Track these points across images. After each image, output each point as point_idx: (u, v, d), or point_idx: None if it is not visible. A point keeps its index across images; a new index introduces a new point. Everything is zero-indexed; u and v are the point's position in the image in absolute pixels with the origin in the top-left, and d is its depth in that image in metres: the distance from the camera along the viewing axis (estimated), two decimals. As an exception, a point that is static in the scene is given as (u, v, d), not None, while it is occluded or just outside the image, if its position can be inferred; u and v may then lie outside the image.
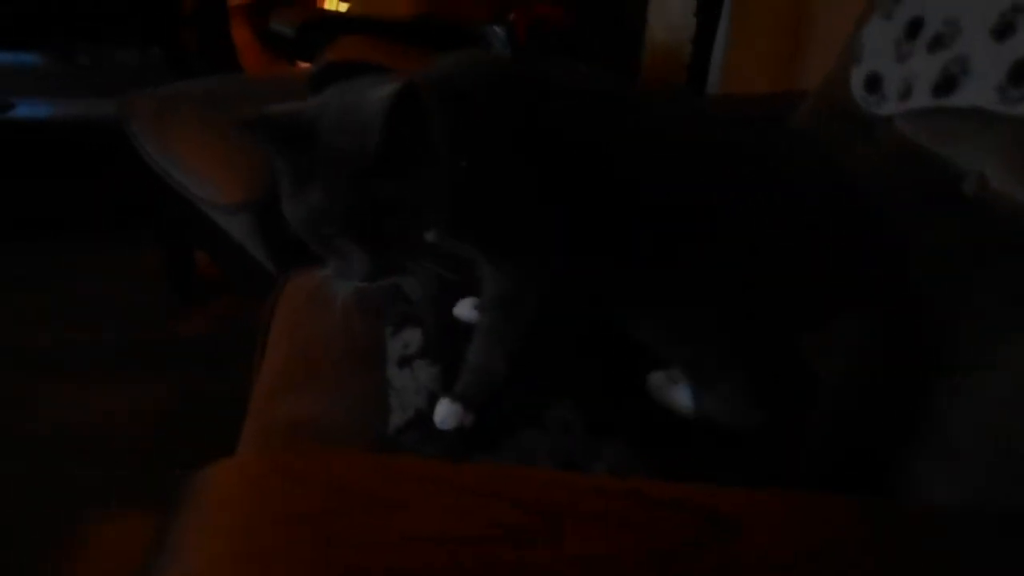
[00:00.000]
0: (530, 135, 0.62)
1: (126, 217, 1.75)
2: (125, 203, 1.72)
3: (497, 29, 1.19)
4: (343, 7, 1.48)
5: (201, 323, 1.73)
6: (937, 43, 0.74)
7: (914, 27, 0.79)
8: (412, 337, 0.81)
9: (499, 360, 0.68)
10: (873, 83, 0.84)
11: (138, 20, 1.89)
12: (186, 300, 1.78)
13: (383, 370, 0.77)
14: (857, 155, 0.83)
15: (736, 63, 1.51)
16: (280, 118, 0.58)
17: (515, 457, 0.61)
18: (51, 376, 1.55)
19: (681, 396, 0.70)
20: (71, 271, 1.87)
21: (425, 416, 0.67)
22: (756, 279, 0.61)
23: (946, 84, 0.71)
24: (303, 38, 1.10)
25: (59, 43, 1.90)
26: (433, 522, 0.37)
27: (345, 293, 0.66)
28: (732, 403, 0.66)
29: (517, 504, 0.38)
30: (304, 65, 1.60)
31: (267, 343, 0.96)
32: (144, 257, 1.86)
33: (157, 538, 0.36)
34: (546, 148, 0.62)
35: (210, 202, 1.35)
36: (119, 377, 1.55)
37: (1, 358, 1.59)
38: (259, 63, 1.98)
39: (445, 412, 0.66)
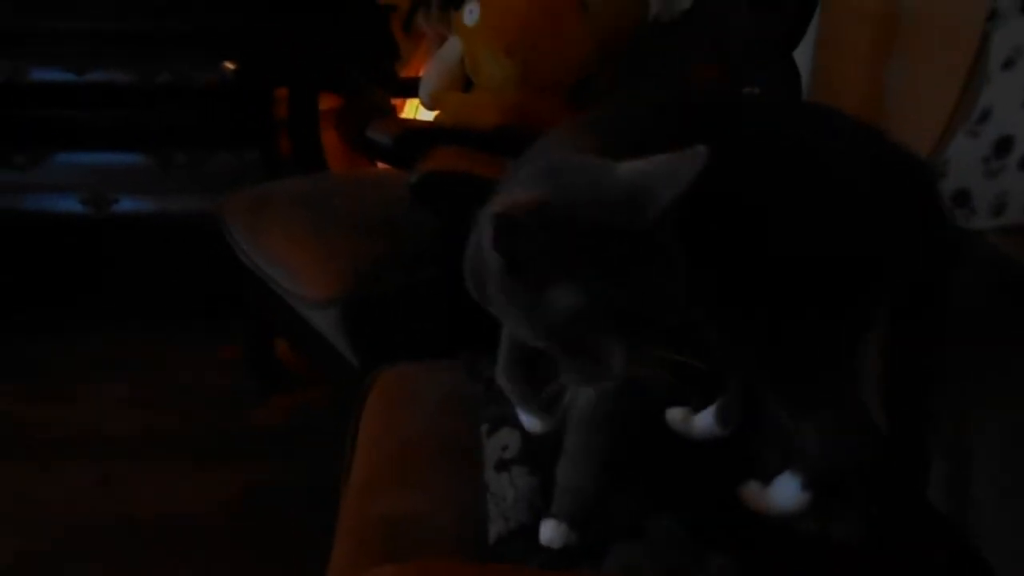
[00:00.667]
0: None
1: (214, 308, 1.84)
2: (213, 294, 1.81)
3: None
4: (428, 116, 1.57)
5: (279, 413, 1.78)
6: (1030, 161, 0.76)
7: (1004, 145, 0.81)
8: (510, 439, 0.82)
9: (591, 479, 0.69)
10: (962, 198, 0.86)
11: (234, 124, 2.03)
12: (266, 389, 1.84)
13: (480, 472, 0.79)
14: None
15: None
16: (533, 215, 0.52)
17: (619, 569, 0.61)
18: (134, 462, 1.60)
19: (776, 496, 0.70)
20: (158, 359, 1.95)
21: (528, 530, 0.68)
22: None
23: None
24: (400, 147, 1.17)
25: (160, 145, 2.04)
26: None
27: (588, 394, 0.67)
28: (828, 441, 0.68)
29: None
30: (388, 168, 1.69)
31: (357, 439, 0.98)
32: (227, 347, 1.94)
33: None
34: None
35: (299, 296, 1.42)
36: (198, 465, 1.60)
37: (86, 445, 1.65)
38: (344, 164, 2.10)
39: (552, 533, 0.67)
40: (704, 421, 0.82)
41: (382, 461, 0.88)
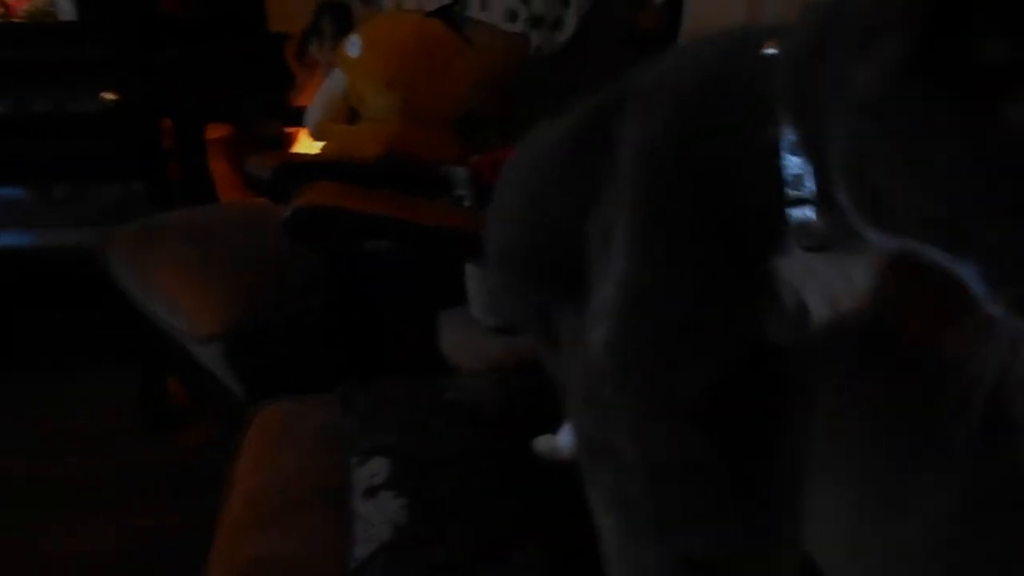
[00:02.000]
0: None
1: (103, 345, 1.78)
2: (102, 331, 1.75)
3: (460, 170, 1.28)
4: (316, 148, 1.58)
5: (173, 452, 1.73)
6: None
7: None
8: (379, 467, 0.84)
9: None
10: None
11: (119, 155, 1.98)
12: (159, 428, 1.79)
13: (350, 503, 0.80)
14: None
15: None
16: None
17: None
18: (21, 510, 1.53)
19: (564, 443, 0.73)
20: (48, 399, 1.87)
21: (389, 548, 0.70)
22: None
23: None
24: (277, 181, 1.17)
25: (39, 178, 1.98)
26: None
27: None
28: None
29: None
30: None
31: (234, 478, 0.98)
32: (117, 385, 1.88)
33: None
34: None
35: (183, 332, 1.40)
36: (91, 509, 1.54)
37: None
38: (235, 193, 2.07)
39: None
40: (565, 437, 0.84)
41: (255, 500, 0.88)
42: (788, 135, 0.43)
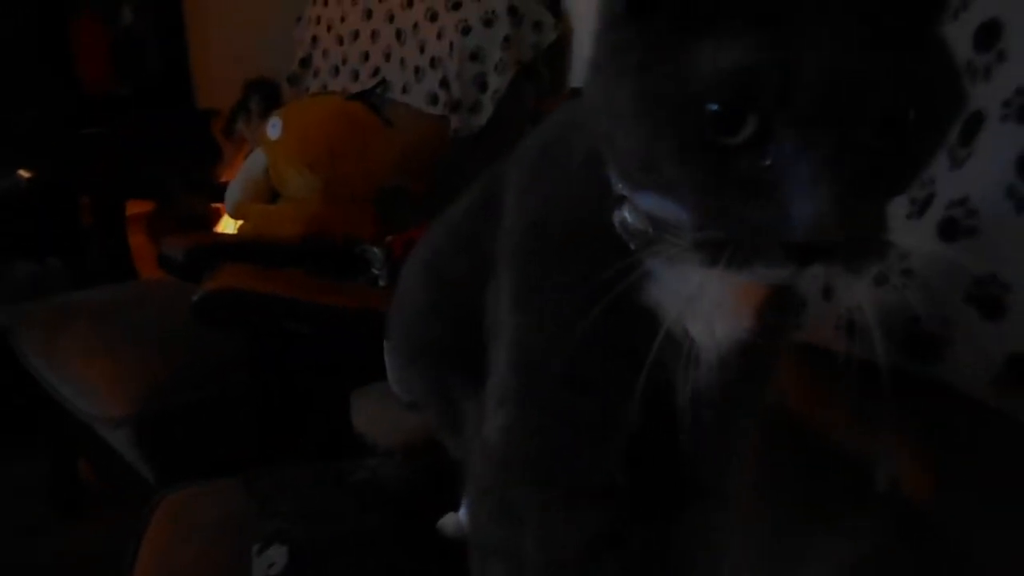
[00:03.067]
0: None
1: (12, 426, 1.72)
2: (11, 412, 1.69)
3: (376, 250, 1.30)
4: (234, 227, 1.58)
5: (83, 540, 1.66)
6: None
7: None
8: (277, 555, 0.82)
9: None
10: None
11: (35, 232, 1.94)
12: (67, 513, 1.71)
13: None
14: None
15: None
16: None
17: None
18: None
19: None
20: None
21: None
22: None
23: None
24: (191, 263, 1.17)
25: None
26: None
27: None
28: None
29: None
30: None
31: (135, 571, 0.95)
32: (25, 471, 1.80)
33: None
34: None
35: (91, 415, 1.36)
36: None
37: None
38: (156, 270, 2.04)
39: None
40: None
41: (151, 594, 0.86)
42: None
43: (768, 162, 0.33)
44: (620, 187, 0.44)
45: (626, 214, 0.44)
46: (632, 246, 0.44)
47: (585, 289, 0.46)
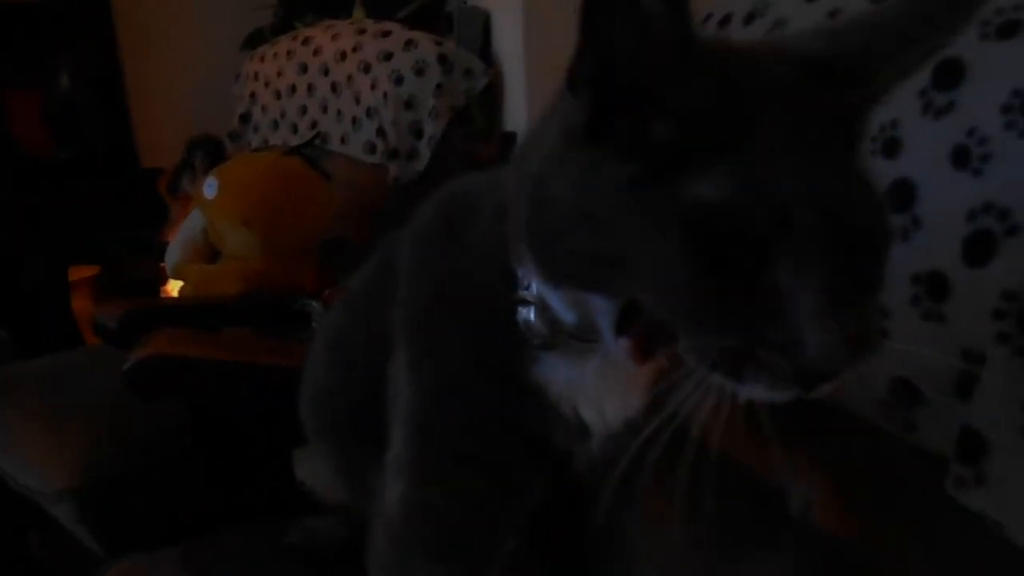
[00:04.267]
0: None
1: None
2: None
3: (315, 304, 1.31)
4: (175, 289, 1.58)
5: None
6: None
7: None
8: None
9: None
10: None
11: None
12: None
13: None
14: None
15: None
16: None
17: None
18: None
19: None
20: None
21: None
22: None
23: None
24: (124, 330, 1.17)
25: None
26: None
27: None
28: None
29: None
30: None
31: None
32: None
33: None
34: None
35: (33, 489, 1.34)
36: None
37: None
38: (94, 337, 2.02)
39: None
40: None
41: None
42: (510, 244, 0.44)
43: (770, 284, 0.33)
44: (530, 285, 0.44)
45: (531, 316, 0.45)
46: (533, 343, 0.45)
47: (475, 365, 0.48)
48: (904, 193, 0.57)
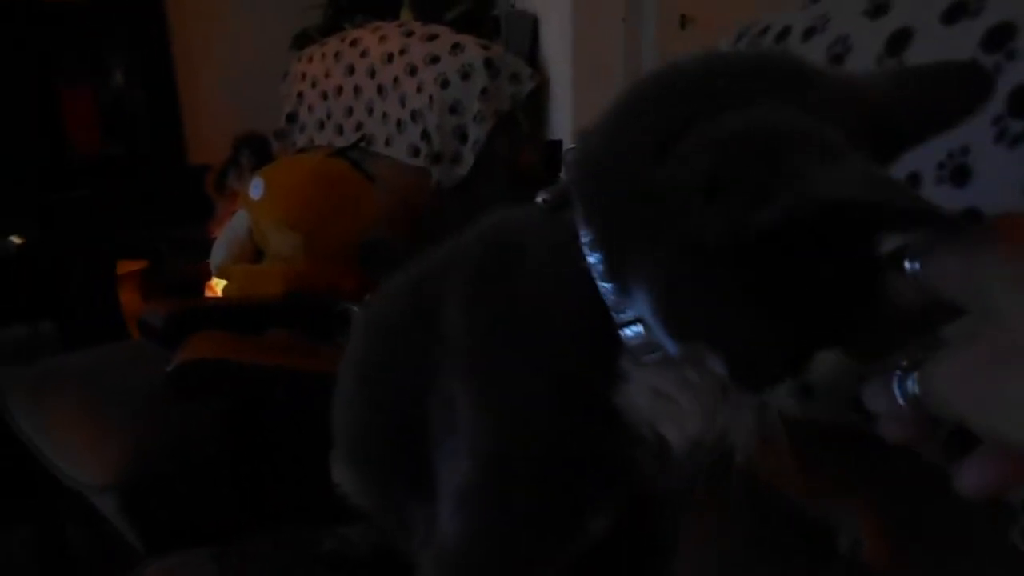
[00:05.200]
0: None
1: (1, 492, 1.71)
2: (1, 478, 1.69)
3: (356, 308, 1.31)
4: (219, 287, 1.59)
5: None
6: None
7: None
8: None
9: None
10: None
11: (28, 296, 1.96)
12: (57, 578, 1.70)
13: None
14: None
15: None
16: None
17: None
18: None
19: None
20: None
21: None
22: None
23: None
24: (170, 330, 1.18)
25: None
26: None
27: None
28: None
29: None
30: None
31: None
32: (14, 535, 1.79)
33: None
34: None
35: (78, 481, 1.36)
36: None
37: None
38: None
39: None
40: None
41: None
42: (596, 264, 0.43)
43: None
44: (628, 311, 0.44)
45: (638, 334, 0.44)
46: (638, 357, 0.45)
47: (549, 392, 0.47)
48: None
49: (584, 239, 0.43)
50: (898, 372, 0.35)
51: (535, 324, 0.47)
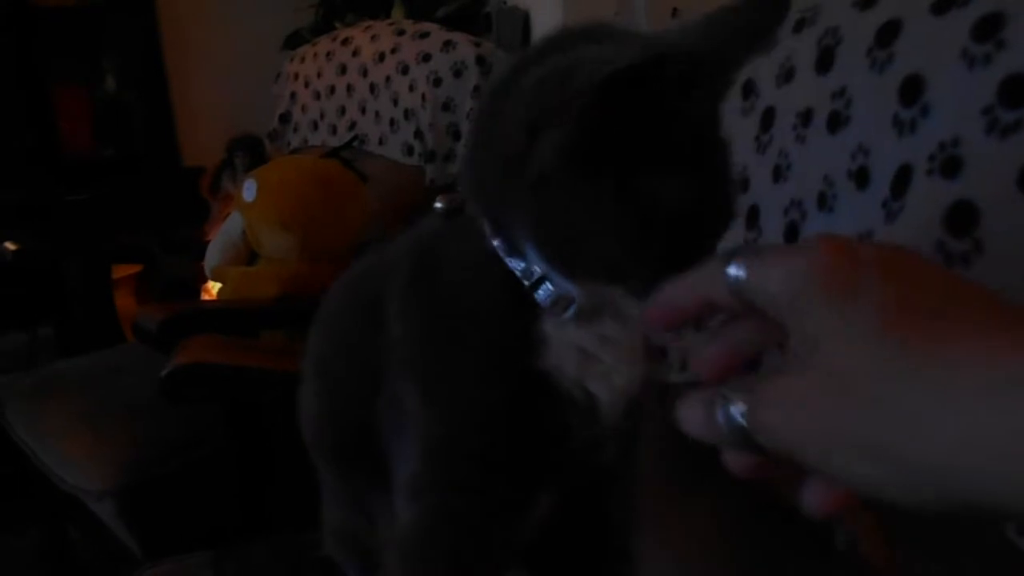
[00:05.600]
0: None
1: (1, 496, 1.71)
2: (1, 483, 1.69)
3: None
4: (214, 289, 1.59)
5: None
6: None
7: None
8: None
9: None
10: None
11: (25, 302, 1.96)
12: (58, 584, 1.70)
13: None
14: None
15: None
16: None
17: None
18: None
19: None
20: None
21: None
22: None
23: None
24: (164, 335, 1.18)
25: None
26: None
27: None
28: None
29: None
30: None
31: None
32: (16, 539, 1.79)
33: None
34: None
35: (75, 486, 1.36)
36: None
37: None
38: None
39: None
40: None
41: None
42: (499, 245, 0.48)
43: None
44: (542, 270, 0.48)
45: (549, 292, 0.48)
46: (557, 312, 0.48)
47: (485, 374, 0.50)
48: (965, 216, 0.54)
49: (485, 228, 0.48)
50: (722, 397, 0.33)
51: (461, 312, 0.51)
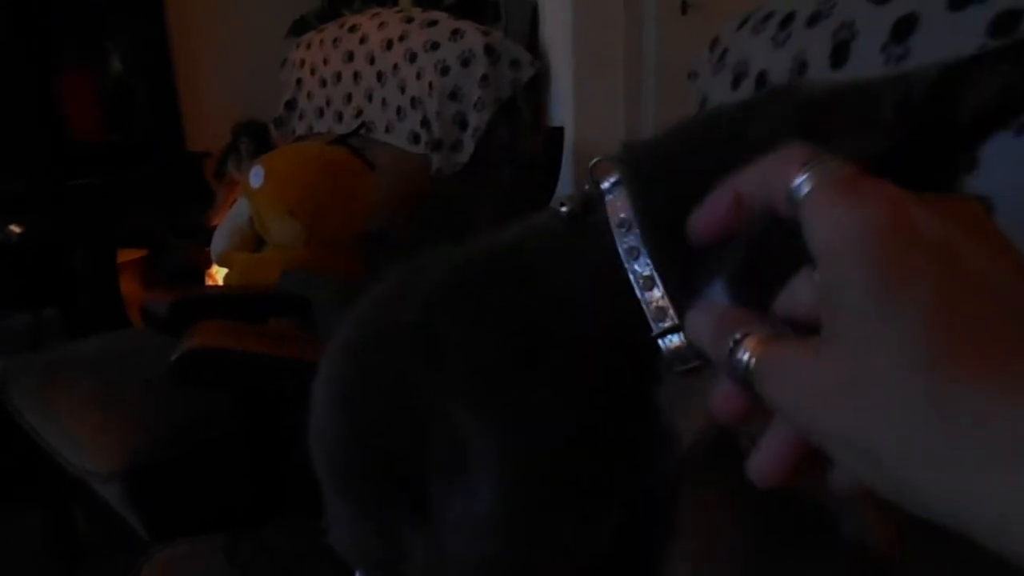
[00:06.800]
0: None
1: (7, 478, 1.72)
2: (6, 464, 1.70)
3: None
4: (220, 275, 1.59)
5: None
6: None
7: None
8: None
9: None
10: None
11: (30, 284, 1.96)
12: (65, 566, 1.71)
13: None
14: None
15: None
16: None
17: None
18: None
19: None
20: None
21: None
22: None
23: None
24: (173, 319, 1.18)
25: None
26: None
27: None
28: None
29: None
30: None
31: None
32: (23, 520, 1.80)
33: None
34: None
35: (83, 469, 1.37)
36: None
37: None
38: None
39: None
40: None
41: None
42: (642, 272, 0.42)
43: None
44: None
45: (677, 339, 0.42)
46: (673, 365, 0.43)
47: (580, 408, 0.46)
48: (980, 212, 0.54)
49: (626, 246, 0.42)
50: (736, 335, 0.31)
51: (557, 339, 0.45)
